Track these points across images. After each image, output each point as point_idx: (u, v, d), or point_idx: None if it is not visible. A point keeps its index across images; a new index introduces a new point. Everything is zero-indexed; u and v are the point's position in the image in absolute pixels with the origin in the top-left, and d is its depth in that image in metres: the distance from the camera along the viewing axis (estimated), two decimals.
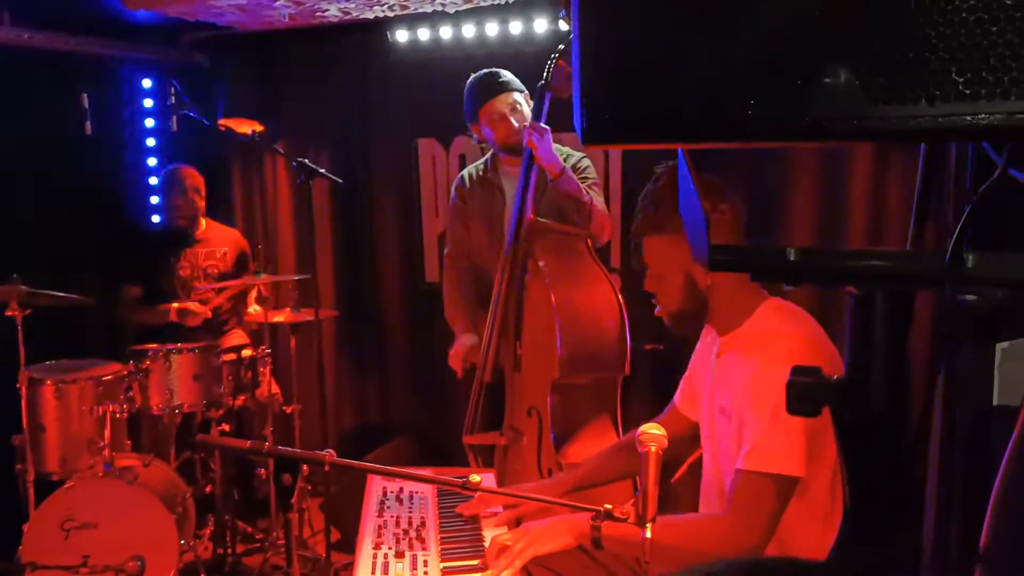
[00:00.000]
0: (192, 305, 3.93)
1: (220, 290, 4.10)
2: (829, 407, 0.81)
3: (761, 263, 0.83)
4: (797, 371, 0.82)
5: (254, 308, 4.15)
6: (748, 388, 1.74)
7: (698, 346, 2.13)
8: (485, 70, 3.13)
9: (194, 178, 4.08)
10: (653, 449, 1.47)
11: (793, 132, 0.65)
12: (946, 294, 0.72)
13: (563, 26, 3.02)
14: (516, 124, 3.01)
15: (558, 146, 2.99)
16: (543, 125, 2.84)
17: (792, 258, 0.78)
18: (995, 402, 1.13)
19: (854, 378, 0.79)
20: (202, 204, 4.11)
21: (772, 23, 0.64)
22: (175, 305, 3.92)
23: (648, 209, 1.88)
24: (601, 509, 1.54)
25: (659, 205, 1.85)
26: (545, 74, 2.86)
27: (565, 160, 2.98)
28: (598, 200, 3.03)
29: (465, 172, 3.34)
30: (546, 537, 1.74)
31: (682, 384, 2.19)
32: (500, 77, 3.08)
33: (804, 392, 0.82)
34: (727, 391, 1.83)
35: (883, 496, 0.81)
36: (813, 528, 1.76)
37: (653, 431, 1.49)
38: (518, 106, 3.04)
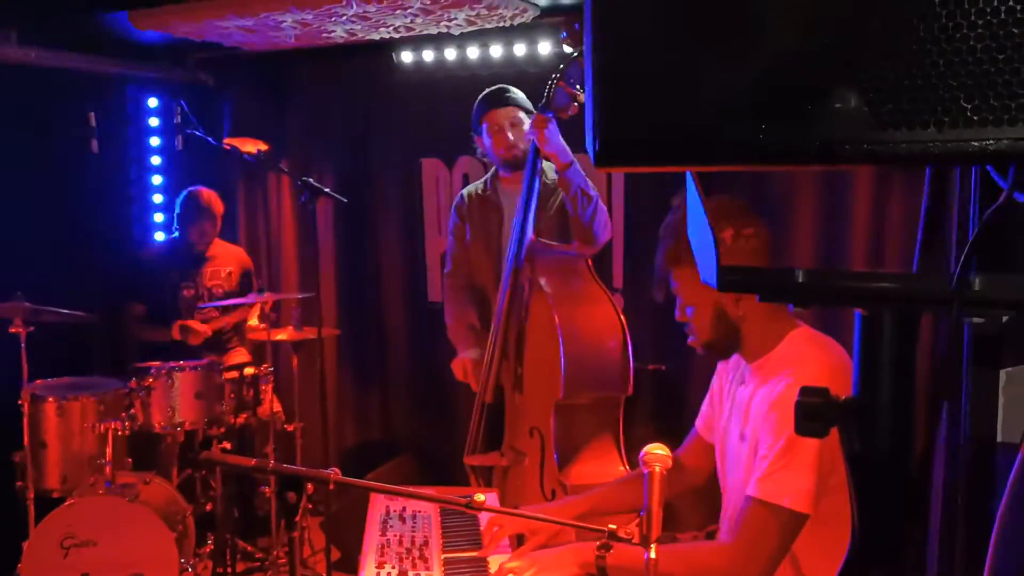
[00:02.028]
0: (193, 324, 3.93)
1: (226, 309, 4.10)
2: (837, 427, 0.81)
3: (770, 284, 0.83)
4: (805, 391, 0.83)
5: (254, 321, 4.15)
6: (769, 412, 1.73)
7: (719, 368, 2.09)
8: (497, 85, 3.19)
9: (215, 201, 4.09)
10: (657, 469, 1.47)
11: (802, 155, 0.67)
12: (953, 316, 0.72)
13: (565, 48, 3.05)
14: (512, 139, 3.06)
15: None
16: (548, 116, 2.82)
17: (801, 279, 0.79)
18: (999, 426, 1.13)
19: (862, 398, 0.80)
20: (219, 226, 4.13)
21: (782, 48, 0.66)
22: (178, 323, 3.93)
23: (669, 241, 1.85)
24: (606, 529, 1.54)
25: (680, 237, 1.80)
26: (545, 95, 2.87)
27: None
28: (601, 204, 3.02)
29: (465, 191, 3.36)
30: (553, 568, 1.73)
31: (703, 410, 2.15)
32: (508, 91, 3.14)
33: (811, 412, 0.83)
34: (749, 417, 1.81)
35: (891, 517, 0.82)
36: (833, 559, 1.75)
37: (657, 451, 1.49)
38: (519, 123, 3.08)
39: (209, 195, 4.08)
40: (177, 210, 4.12)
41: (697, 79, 0.69)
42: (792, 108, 0.65)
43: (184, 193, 4.13)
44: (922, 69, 0.62)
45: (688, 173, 0.88)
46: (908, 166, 0.69)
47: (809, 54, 0.65)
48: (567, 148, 2.89)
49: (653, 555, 1.45)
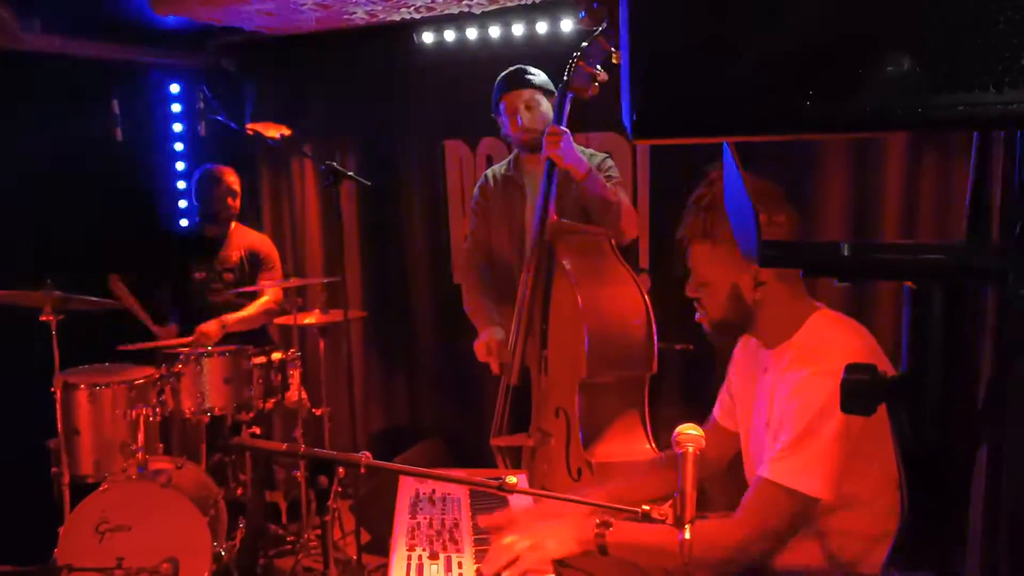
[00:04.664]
0: (205, 327, 3.85)
1: (239, 295, 4.05)
2: (885, 405, 0.78)
3: (814, 258, 0.80)
4: (851, 368, 0.80)
5: (269, 295, 4.07)
6: (791, 397, 1.68)
7: (736, 355, 2.05)
8: (517, 65, 3.15)
9: (233, 177, 4.05)
10: (691, 449, 1.44)
11: (853, 122, 0.64)
12: (1010, 287, 0.69)
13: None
14: (525, 122, 3.04)
15: (580, 147, 2.97)
16: (562, 128, 2.80)
17: (846, 253, 0.76)
18: None
19: (911, 376, 0.77)
20: (238, 205, 4.08)
21: (830, 11, 0.62)
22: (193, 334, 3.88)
23: (699, 213, 1.78)
24: (639, 510, 1.52)
25: (710, 210, 1.76)
26: (566, 75, 2.83)
27: (588, 160, 2.96)
28: (625, 199, 3.01)
29: (489, 172, 3.35)
30: (550, 542, 1.71)
31: (721, 395, 2.11)
32: (526, 72, 3.10)
33: (859, 389, 0.80)
34: (772, 404, 1.77)
35: (942, 507, 0.79)
36: (864, 544, 1.72)
37: (690, 431, 1.46)
38: (535, 104, 3.05)
39: (224, 171, 4.03)
40: (195, 189, 4.07)
41: (739, 46, 0.66)
42: (842, 73, 0.62)
43: (197, 172, 4.10)
44: (980, 28, 0.58)
45: (725, 145, 0.85)
46: (965, 130, 0.66)
47: (859, 16, 0.62)
48: (583, 158, 2.88)
49: (688, 536, 1.42)
